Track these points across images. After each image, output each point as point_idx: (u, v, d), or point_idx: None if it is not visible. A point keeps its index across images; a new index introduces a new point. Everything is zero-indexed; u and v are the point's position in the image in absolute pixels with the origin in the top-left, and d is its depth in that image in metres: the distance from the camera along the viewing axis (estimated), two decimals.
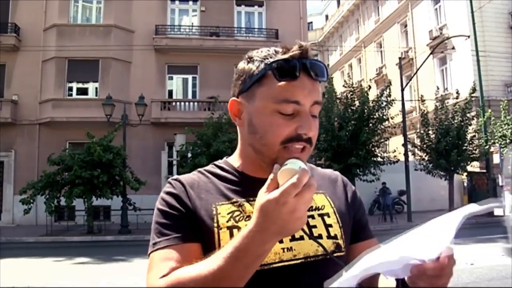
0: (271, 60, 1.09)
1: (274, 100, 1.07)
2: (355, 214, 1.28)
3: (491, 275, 7.76)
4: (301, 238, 1.11)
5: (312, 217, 1.16)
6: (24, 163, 21.99)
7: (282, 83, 1.07)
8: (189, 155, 19.74)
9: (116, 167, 17.69)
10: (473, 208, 0.91)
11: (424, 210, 22.34)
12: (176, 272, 0.98)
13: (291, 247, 1.09)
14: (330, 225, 1.17)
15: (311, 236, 1.10)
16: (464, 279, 7.51)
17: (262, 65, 1.10)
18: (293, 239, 1.10)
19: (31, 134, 22.54)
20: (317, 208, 1.19)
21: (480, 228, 15.64)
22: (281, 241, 1.08)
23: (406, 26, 33.25)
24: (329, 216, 1.19)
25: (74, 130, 20.69)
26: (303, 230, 1.07)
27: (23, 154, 22.25)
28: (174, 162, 21.85)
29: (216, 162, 1.29)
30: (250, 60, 1.15)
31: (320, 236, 1.13)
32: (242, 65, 1.16)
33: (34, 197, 16.94)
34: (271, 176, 0.92)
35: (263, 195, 0.89)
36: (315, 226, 1.15)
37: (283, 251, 1.08)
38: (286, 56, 1.08)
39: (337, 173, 1.37)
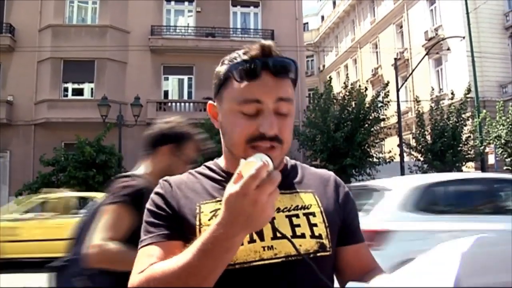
0: (234, 62, 1.12)
1: (236, 101, 1.10)
2: (346, 216, 1.27)
3: None
4: (284, 237, 1.10)
5: (297, 216, 1.16)
6: (19, 164, 21.90)
7: (244, 83, 1.09)
8: None
9: (112, 168, 17.66)
10: (463, 246, 0.91)
11: None
12: (151, 266, 1.00)
13: (272, 246, 1.09)
14: (315, 225, 1.16)
15: (283, 235, 1.09)
16: None
17: (227, 68, 1.13)
18: (274, 237, 1.10)
19: (26, 135, 22.45)
20: (303, 207, 1.19)
21: None
22: (262, 240, 1.09)
23: (401, 27, 33.32)
24: (314, 216, 1.18)
25: (69, 130, 20.63)
26: (274, 228, 1.09)
27: (18, 155, 22.17)
28: None
29: (206, 163, 1.31)
30: (222, 63, 1.18)
31: (303, 235, 1.13)
32: (217, 68, 1.20)
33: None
34: (237, 170, 0.92)
35: (227, 189, 0.90)
36: (298, 225, 1.14)
37: (264, 250, 1.08)
38: (246, 57, 1.10)
39: (330, 173, 1.36)
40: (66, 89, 23.44)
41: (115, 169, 17.82)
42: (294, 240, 1.09)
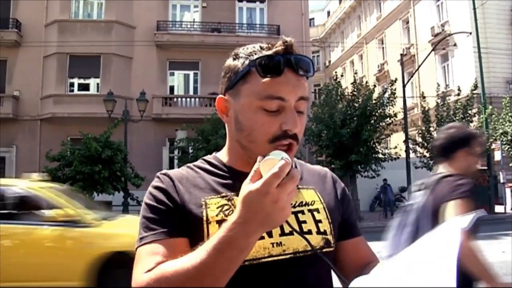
0: (255, 56, 1.10)
1: (258, 97, 1.08)
2: (344, 211, 1.28)
3: None
4: (291, 233, 1.10)
5: (302, 212, 1.16)
6: (25, 159, 21.99)
7: (266, 79, 1.07)
8: (190, 150, 19.78)
9: (117, 163, 17.70)
10: (461, 222, 0.89)
11: None
12: (160, 266, 0.98)
13: (280, 242, 1.09)
14: (320, 221, 1.17)
15: (297, 231, 1.09)
16: None
17: (247, 62, 1.11)
18: (282, 234, 1.10)
19: (32, 130, 22.55)
20: (307, 204, 1.19)
21: (481, 225, 15.64)
22: (270, 236, 1.08)
23: (408, 22, 33.17)
24: (318, 212, 1.19)
25: (75, 126, 20.69)
26: (289, 224, 1.07)
27: (24, 150, 22.27)
28: (175, 158, 21.87)
29: (205, 157, 1.29)
30: (236, 57, 1.15)
31: (309, 232, 1.13)
32: (229, 62, 1.17)
33: None
34: (254, 167, 0.92)
35: (246, 186, 0.89)
36: (305, 222, 1.15)
37: (273, 246, 1.08)
38: (270, 52, 1.08)
39: (326, 169, 1.37)
40: (72, 84, 23.51)
41: (120, 164, 17.86)
42: (301, 237, 1.10)
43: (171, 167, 22.48)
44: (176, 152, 21.87)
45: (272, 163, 0.88)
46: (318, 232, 1.14)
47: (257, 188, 0.86)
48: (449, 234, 0.86)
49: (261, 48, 1.12)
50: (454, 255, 0.81)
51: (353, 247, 1.26)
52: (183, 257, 0.95)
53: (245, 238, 0.89)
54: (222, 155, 1.26)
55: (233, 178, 1.17)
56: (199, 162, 1.27)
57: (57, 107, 22.00)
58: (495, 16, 26.30)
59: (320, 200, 1.22)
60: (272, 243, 1.08)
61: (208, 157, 1.28)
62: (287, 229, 1.10)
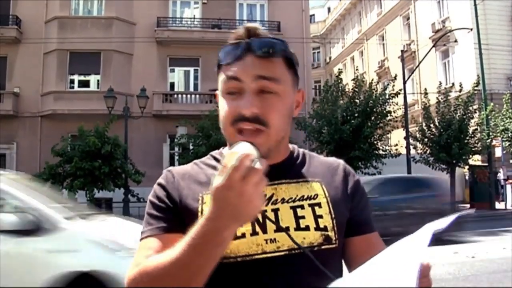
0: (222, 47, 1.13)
1: (222, 82, 1.12)
2: (355, 206, 1.21)
3: (492, 268, 7.77)
4: (287, 229, 1.08)
5: (302, 207, 1.12)
6: (26, 155, 22.00)
7: (227, 65, 1.10)
8: (191, 147, 19.79)
9: (118, 159, 17.70)
10: (437, 225, 0.88)
11: None
12: (146, 260, 0.99)
13: (274, 239, 1.07)
14: (320, 216, 1.12)
15: (282, 228, 1.07)
16: (465, 272, 7.53)
17: (218, 54, 1.14)
18: (278, 230, 1.07)
19: (32, 127, 22.55)
20: (309, 198, 1.14)
21: (481, 222, 15.68)
22: (265, 232, 1.07)
23: (408, 19, 33.12)
24: (320, 207, 1.13)
25: (75, 122, 20.64)
26: (269, 219, 1.07)
27: (24, 147, 22.28)
28: (176, 154, 21.88)
29: (212, 153, 1.28)
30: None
31: (307, 228, 1.09)
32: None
33: None
34: (222, 161, 0.89)
35: (214, 181, 0.88)
36: (303, 217, 1.11)
37: (266, 243, 1.06)
38: (232, 40, 1.12)
39: (340, 161, 1.31)
40: (72, 81, 23.51)
41: (121, 160, 17.86)
42: (297, 233, 1.07)
43: (172, 163, 22.48)
44: (176, 148, 21.86)
45: (232, 156, 0.86)
46: (317, 228, 1.10)
47: (221, 182, 0.85)
48: (421, 237, 0.85)
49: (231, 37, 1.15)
50: (418, 258, 0.81)
51: (365, 243, 1.19)
52: (164, 252, 0.96)
53: (217, 233, 0.89)
54: (226, 149, 1.24)
55: None
56: (206, 158, 1.27)
57: (57, 104, 22.00)
58: (496, 12, 26.25)
59: (325, 194, 1.16)
60: (266, 240, 1.06)
61: (215, 152, 1.28)
62: (282, 225, 1.08)
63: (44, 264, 4.59)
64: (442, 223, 0.88)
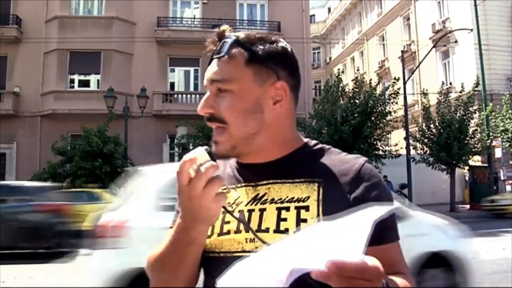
0: None
1: None
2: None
3: (492, 269, 7.77)
4: (267, 230, 1.05)
5: (287, 209, 1.07)
6: (26, 155, 22.01)
7: None
8: (191, 147, 19.79)
9: (118, 159, 17.71)
10: (377, 212, 0.76)
11: (425, 204, 22.21)
12: (152, 250, 1.10)
13: (253, 239, 1.05)
14: (305, 220, 1.04)
15: (251, 229, 1.05)
16: None
17: None
18: (259, 230, 1.05)
19: (32, 126, 22.55)
20: (298, 200, 1.07)
21: (481, 222, 15.69)
22: (247, 231, 1.07)
23: (408, 19, 33.11)
24: (307, 210, 1.05)
25: (75, 122, 20.70)
26: (240, 220, 1.06)
27: (25, 146, 22.27)
28: (176, 154, 21.88)
29: None
30: None
31: (286, 231, 1.04)
32: None
33: None
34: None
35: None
36: (285, 219, 1.06)
37: (246, 242, 1.06)
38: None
39: (359, 161, 1.14)
40: (72, 81, 23.52)
41: (121, 160, 17.87)
42: (275, 235, 1.03)
43: (172, 163, 22.48)
44: (176, 148, 21.86)
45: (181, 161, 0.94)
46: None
47: (177, 187, 0.94)
48: (362, 222, 0.74)
49: None
50: (362, 243, 0.69)
51: (376, 255, 0.95)
52: (160, 244, 1.06)
53: (186, 232, 0.97)
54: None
55: (237, 170, 1.19)
56: None
57: (57, 103, 22.01)
58: (496, 13, 26.25)
59: (318, 197, 1.07)
60: (246, 239, 1.07)
61: None
62: (263, 225, 1.06)
63: (407, 247, 5.12)
64: (380, 210, 0.76)
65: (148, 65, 23.52)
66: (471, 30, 22.18)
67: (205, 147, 0.97)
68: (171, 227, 1.11)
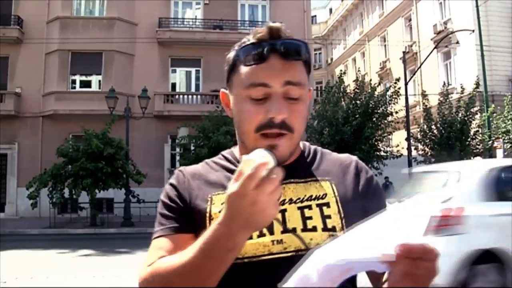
0: (242, 46, 1.10)
1: (244, 86, 1.07)
2: (367, 204, 1.15)
3: None
4: (294, 230, 1.07)
5: (309, 207, 1.11)
6: (27, 155, 22.03)
7: (250, 67, 1.06)
8: (192, 147, 19.81)
9: (119, 160, 17.73)
10: (430, 204, 0.86)
11: None
12: (158, 261, 1.01)
13: (281, 240, 1.06)
14: (329, 216, 1.10)
15: (288, 230, 1.07)
16: None
17: (235, 52, 1.11)
18: (284, 231, 1.07)
19: (34, 127, 22.56)
20: (317, 198, 1.12)
21: None
22: (272, 233, 1.06)
23: (410, 20, 33.09)
24: (329, 207, 1.11)
25: (77, 122, 20.70)
26: (277, 220, 1.06)
27: (26, 147, 22.29)
28: (177, 155, 21.88)
29: (223, 152, 1.28)
30: (232, 49, 1.15)
31: (314, 229, 1.08)
32: (228, 54, 1.17)
33: (39, 190, 17.06)
34: (239, 167, 0.88)
35: (230, 187, 0.87)
36: (310, 218, 1.09)
37: (273, 244, 1.06)
38: (253, 40, 1.08)
39: (352, 158, 1.28)
40: (73, 81, 23.53)
41: (122, 161, 17.89)
42: (304, 234, 1.06)
43: (173, 164, 22.51)
44: (177, 149, 21.86)
45: (248, 164, 0.86)
46: (325, 229, 1.08)
47: (235, 190, 0.85)
48: (418, 214, 0.82)
49: (251, 36, 1.11)
50: (420, 231, 0.78)
51: None
52: (176, 254, 0.97)
53: (229, 239, 0.88)
54: (236, 149, 1.25)
55: None
56: (217, 158, 1.26)
57: (58, 104, 22.02)
58: (498, 14, 26.22)
59: (334, 193, 1.14)
60: (273, 241, 1.06)
61: (225, 152, 1.27)
62: (290, 226, 1.07)
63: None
64: (431, 203, 0.86)
65: (150, 65, 23.52)
66: (473, 31, 22.14)
67: (268, 151, 0.93)
68: (159, 236, 1.09)
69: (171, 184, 1.17)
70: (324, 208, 1.12)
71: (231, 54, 1.14)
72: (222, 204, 1.06)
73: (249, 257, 1.04)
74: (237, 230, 0.88)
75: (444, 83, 24.17)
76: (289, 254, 1.05)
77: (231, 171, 1.15)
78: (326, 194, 1.14)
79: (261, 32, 1.07)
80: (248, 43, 1.09)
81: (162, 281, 0.96)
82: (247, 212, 0.85)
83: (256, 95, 1.05)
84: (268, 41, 1.06)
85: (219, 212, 1.05)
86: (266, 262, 1.04)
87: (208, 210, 1.10)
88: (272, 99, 1.04)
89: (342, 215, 1.12)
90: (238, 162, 1.18)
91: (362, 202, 1.16)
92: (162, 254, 1.03)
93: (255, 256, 1.04)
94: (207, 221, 1.08)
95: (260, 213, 0.85)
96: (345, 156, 1.28)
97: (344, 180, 1.19)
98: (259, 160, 0.86)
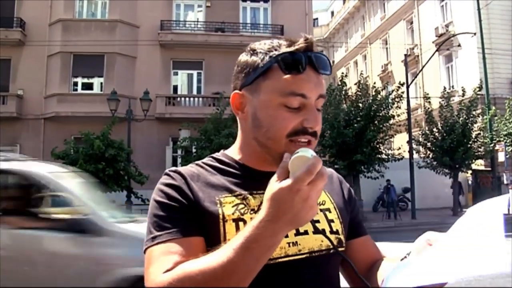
0: (277, 53, 1.08)
1: (280, 93, 1.07)
2: (351, 210, 1.30)
3: (495, 273, 7.73)
4: (306, 232, 1.10)
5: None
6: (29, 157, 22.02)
7: (288, 76, 1.06)
8: (193, 150, 19.80)
9: (121, 162, 17.73)
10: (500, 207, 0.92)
11: (428, 208, 22.31)
12: (182, 265, 0.95)
13: (296, 242, 1.09)
14: (332, 221, 1.18)
15: (319, 231, 1.10)
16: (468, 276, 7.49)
17: (267, 58, 1.09)
18: (297, 233, 1.10)
19: (36, 129, 22.59)
20: (319, 203, 1.17)
21: None
22: (286, 236, 1.05)
23: (412, 23, 33.12)
24: (330, 212, 1.19)
25: (79, 125, 20.70)
26: (312, 224, 1.09)
27: (28, 149, 22.25)
28: (179, 157, 21.89)
29: (213, 155, 1.26)
30: (254, 52, 1.13)
31: (323, 231, 1.12)
32: (245, 57, 1.15)
33: None
34: (282, 164, 0.90)
35: (275, 184, 0.88)
36: (318, 221, 1.14)
37: (289, 246, 1.08)
38: (292, 49, 1.07)
39: (331, 169, 1.37)
40: (75, 83, 23.56)
41: (124, 163, 17.90)
42: (316, 236, 1.11)
43: (175, 166, 22.43)
44: (179, 151, 21.87)
45: (302, 160, 0.87)
46: (331, 232, 1.16)
47: (289, 185, 0.85)
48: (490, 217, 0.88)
49: (280, 44, 1.11)
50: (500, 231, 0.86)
51: (361, 245, 1.29)
52: (206, 256, 0.93)
53: (272, 236, 0.88)
54: (233, 153, 1.23)
55: (246, 176, 1.16)
56: (208, 160, 1.24)
57: (60, 106, 22.04)
58: (499, 17, 26.24)
59: (330, 200, 1.23)
60: (288, 243, 1.08)
61: (217, 155, 1.25)
62: (302, 228, 1.10)
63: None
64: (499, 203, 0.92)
65: (151, 68, 23.55)
66: (474, 34, 22.15)
67: (311, 150, 0.94)
68: (156, 244, 1.02)
69: (169, 185, 1.11)
70: (327, 213, 1.19)
71: (257, 58, 1.12)
72: (233, 206, 1.09)
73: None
74: (284, 227, 0.89)
75: (445, 87, 24.14)
76: (303, 256, 1.09)
77: (232, 175, 1.17)
78: (325, 201, 1.22)
79: (299, 43, 1.08)
80: (285, 51, 1.08)
81: (196, 284, 0.90)
82: (298, 207, 0.86)
83: (293, 104, 1.07)
84: (303, 52, 1.07)
85: (232, 214, 1.07)
86: (282, 264, 1.06)
87: (220, 212, 1.08)
88: (308, 109, 1.07)
89: (341, 220, 1.20)
90: (238, 164, 1.19)
91: (348, 208, 1.30)
92: (177, 259, 0.98)
93: (272, 258, 1.03)
94: (221, 224, 1.06)
95: (308, 209, 0.87)
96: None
97: (333, 188, 1.30)
98: (311, 157, 0.88)
